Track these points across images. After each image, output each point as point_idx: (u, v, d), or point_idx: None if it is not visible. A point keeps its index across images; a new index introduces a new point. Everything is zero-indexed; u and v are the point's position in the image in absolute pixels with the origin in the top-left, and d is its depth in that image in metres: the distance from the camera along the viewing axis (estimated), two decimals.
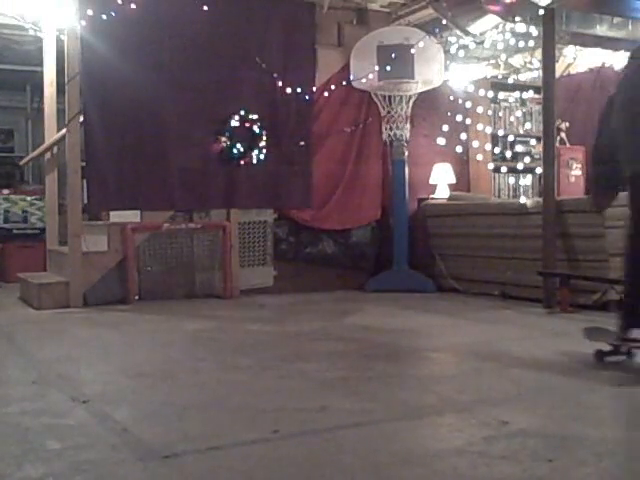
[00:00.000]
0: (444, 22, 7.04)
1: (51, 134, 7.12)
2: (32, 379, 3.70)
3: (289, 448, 2.61)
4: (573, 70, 8.91)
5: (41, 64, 7.14)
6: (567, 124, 8.66)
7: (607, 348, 3.87)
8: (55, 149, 7.13)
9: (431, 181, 7.95)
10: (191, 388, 3.52)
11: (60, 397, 3.34)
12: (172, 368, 3.94)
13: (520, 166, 8.11)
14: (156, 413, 3.09)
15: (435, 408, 3.15)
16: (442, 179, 7.93)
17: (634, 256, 3.80)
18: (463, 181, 8.21)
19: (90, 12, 6.11)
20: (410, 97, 7.48)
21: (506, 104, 8.88)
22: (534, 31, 6.87)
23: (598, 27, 6.99)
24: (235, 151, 6.73)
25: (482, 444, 2.63)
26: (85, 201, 6.56)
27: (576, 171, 8.60)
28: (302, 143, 7.10)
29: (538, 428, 2.80)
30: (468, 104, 7.92)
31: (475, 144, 8.06)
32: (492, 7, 6.41)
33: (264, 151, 6.85)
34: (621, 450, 2.56)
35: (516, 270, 6.46)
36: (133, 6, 6.19)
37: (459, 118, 7.79)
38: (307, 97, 7.08)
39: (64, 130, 6.46)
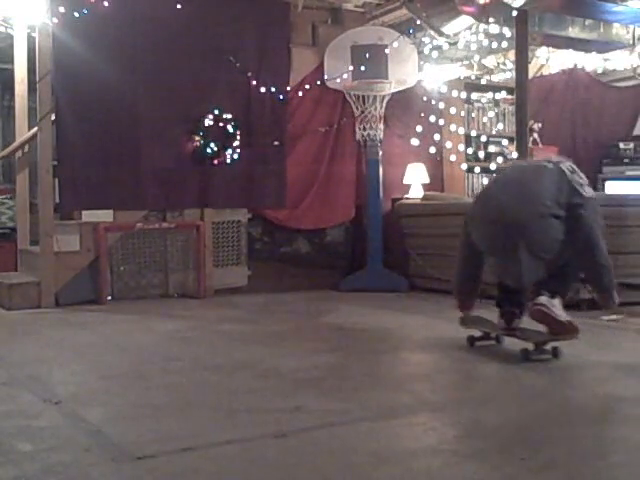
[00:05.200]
0: (418, 22, 7.07)
1: (22, 132, 7.04)
2: (2, 380, 3.66)
3: (263, 449, 2.61)
4: (546, 71, 9.00)
5: (12, 61, 7.05)
6: (540, 125, 8.73)
7: (478, 334, 4.38)
8: (26, 147, 7.05)
9: (405, 181, 7.97)
10: (164, 389, 3.50)
11: (31, 398, 3.31)
12: (145, 368, 3.91)
13: (493, 166, 8.16)
14: (129, 414, 3.07)
15: (409, 407, 3.16)
16: (416, 179, 7.95)
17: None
18: (437, 181, 8.24)
19: (62, 9, 6.04)
20: (384, 97, 7.49)
21: (479, 105, 8.93)
22: (507, 32, 6.92)
23: (570, 29, 7.05)
24: (209, 150, 6.70)
25: (455, 443, 2.64)
26: (57, 200, 6.49)
27: None
28: (276, 143, 7.08)
29: (511, 426, 2.82)
30: (442, 104, 7.96)
31: (448, 144, 8.11)
32: (466, 8, 6.44)
33: (238, 150, 6.82)
34: (590, 447, 2.58)
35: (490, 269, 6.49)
36: (106, 4, 6.14)
37: (433, 118, 7.82)
38: (281, 97, 7.07)
39: (35, 128, 6.39)
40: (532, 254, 3.91)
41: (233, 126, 6.79)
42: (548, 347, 4.00)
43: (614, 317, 5.30)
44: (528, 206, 3.94)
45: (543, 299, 3.98)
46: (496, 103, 8.97)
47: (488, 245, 4.15)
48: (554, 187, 3.97)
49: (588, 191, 4.03)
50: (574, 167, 4.15)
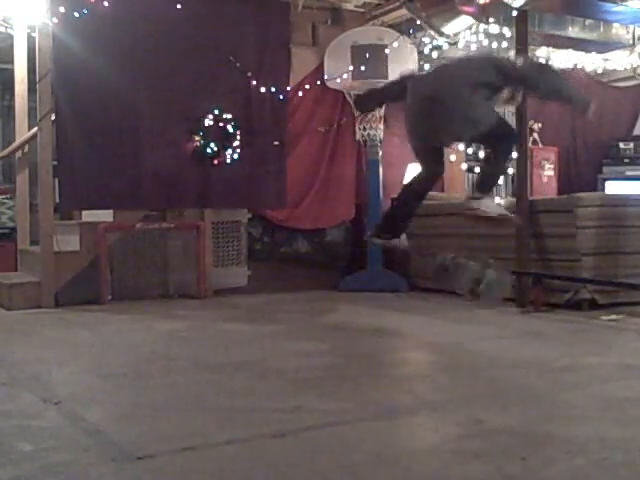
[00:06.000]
0: (418, 22, 7.06)
1: (22, 132, 7.03)
2: (2, 380, 3.66)
3: (263, 448, 2.61)
4: None
5: (12, 61, 7.05)
6: (540, 125, 8.73)
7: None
8: (26, 148, 7.04)
9: (405, 181, 7.96)
10: (165, 388, 3.50)
11: (31, 398, 3.31)
12: (145, 368, 3.91)
13: None
14: (129, 414, 3.07)
15: (409, 407, 3.16)
16: None
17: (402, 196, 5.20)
18: None
19: (62, 9, 6.04)
20: None
21: None
22: (507, 32, 6.91)
23: (570, 29, 7.05)
24: (209, 150, 6.70)
25: (456, 443, 2.64)
26: (57, 200, 6.49)
27: (549, 171, 8.67)
28: (276, 143, 7.07)
29: (511, 427, 2.82)
30: None
31: None
32: (466, 8, 6.44)
33: (238, 151, 6.82)
34: (591, 448, 2.58)
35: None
36: (106, 4, 6.13)
37: None
38: (281, 97, 7.06)
39: (35, 128, 6.39)
40: (452, 117, 4.53)
41: (233, 126, 6.78)
42: None
43: (614, 317, 5.31)
44: (447, 82, 4.65)
45: (473, 203, 4.68)
46: None
47: (411, 117, 4.82)
48: (481, 67, 4.66)
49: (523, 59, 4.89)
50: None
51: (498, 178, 5.07)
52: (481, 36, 7.27)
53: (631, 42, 7.51)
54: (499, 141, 4.67)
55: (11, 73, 7.12)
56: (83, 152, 6.31)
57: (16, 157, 7.22)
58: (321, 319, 5.69)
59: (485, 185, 4.80)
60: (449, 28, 6.78)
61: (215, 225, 7.03)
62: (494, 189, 4.93)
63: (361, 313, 5.93)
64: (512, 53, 4.99)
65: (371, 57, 7.21)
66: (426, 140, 4.82)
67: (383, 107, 7.51)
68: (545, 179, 8.63)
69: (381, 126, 7.52)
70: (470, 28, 7.02)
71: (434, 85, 4.74)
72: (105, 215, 6.68)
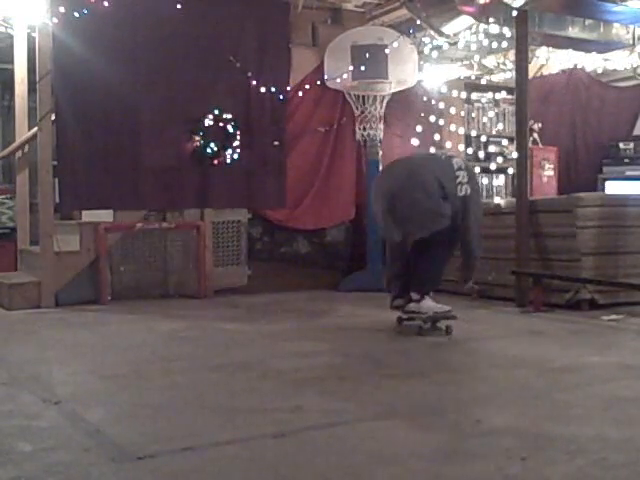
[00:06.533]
0: (418, 22, 7.06)
1: (22, 132, 7.03)
2: (2, 380, 3.66)
3: (263, 448, 2.61)
4: (546, 71, 8.98)
5: (12, 61, 7.05)
6: (540, 125, 8.72)
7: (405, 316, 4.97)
8: (26, 148, 7.04)
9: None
10: (165, 388, 3.50)
11: (31, 398, 3.31)
12: (145, 368, 3.91)
13: (493, 166, 8.15)
14: (129, 414, 3.07)
15: (409, 407, 3.16)
16: None
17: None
18: None
19: (62, 9, 6.04)
20: (384, 97, 7.49)
21: (479, 105, 8.93)
22: (507, 32, 6.91)
23: (570, 29, 7.04)
24: (209, 150, 6.70)
25: (456, 442, 2.64)
26: (57, 200, 6.49)
27: (549, 171, 8.66)
28: (276, 143, 7.08)
29: (511, 426, 2.82)
30: (441, 104, 7.95)
31: (448, 144, 8.09)
32: (466, 8, 6.44)
33: (238, 151, 6.82)
34: (591, 448, 2.58)
35: (491, 269, 6.49)
36: (106, 4, 6.13)
37: (432, 118, 7.82)
38: (281, 96, 7.06)
39: (35, 128, 6.38)
40: (406, 219, 4.78)
41: (233, 126, 6.79)
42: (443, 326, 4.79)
43: (614, 317, 5.31)
44: (407, 183, 4.80)
45: (411, 306, 4.85)
46: (496, 103, 8.97)
47: (379, 212, 4.95)
48: (439, 173, 4.75)
49: (464, 190, 4.76)
50: (464, 165, 4.91)
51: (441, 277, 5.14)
52: (481, 36, 7.27)
53: (631, 42, 7.50)
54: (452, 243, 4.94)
55: (11, 73, 7.12)
56: (83, 152, 6.32)
57: (16, 157, 7.22)
58: (321, 319, 5.69)
59: (426, 285, 4.92)
60: (449, 28, 6.78)
61: (215, 225, 7.03)
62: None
63: (361, 313, 5.93)
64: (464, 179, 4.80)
65: (371, 57, 7.21)
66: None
67: (383, 107, 7.53)
68: (545, 179, 8.63)
69: (381, 126, 7.53)
70: (470, 28, 7.02)
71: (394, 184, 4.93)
72: (105, 215, 6.68)
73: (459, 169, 4.81)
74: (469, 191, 4.78)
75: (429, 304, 4.86)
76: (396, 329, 5.00)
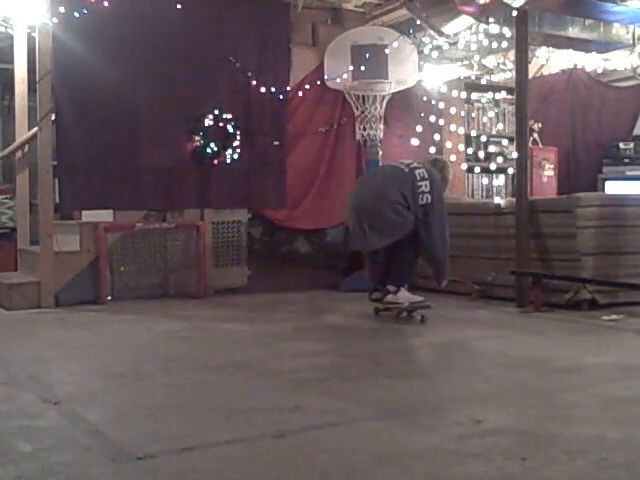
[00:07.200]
0: (418, 22, 7.06)
1: (22, 132, 7.03)
2: (2, 380, 3.66)
3: (263, 448, 2.61)
4: (546, 71, 8.99)
5: (12, 61, 7.05)
6: (540, 125, 8.73)
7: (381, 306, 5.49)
8: (26, 148, 7.04)
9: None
10: (164, 389, 3.50)
11: (31, 398, 3.31)
12: (145, 368, 3.91)
13: (493, 166, 8.16)
14: (129, 414, 3.07)
15: (409, 407, 3.16)
16: None
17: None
18: None
19: (62, 9, 6.04)
20: (384, 97, 7.49)
21: (479, 105, 8.93)
22: (507, 32, 6.91)
23: (570, 29, 7.05)
24: (209, 150, 6.70)
25: (456, 443, 2.64)
26: (57, 200, 6.49)
27: (548, 171, 8.67)
28: (276, 143, 7.08)
29: (511, 426, 2.82)
30: (441, 104, 7.95)
31: (448, 144, 8.10)
32: (466, 8, 6.43)
33: (238, 151, 6.82)
34: (591, 448, 2.58)
35: (490, 269, 6.49)
36: (106, 4, 6.13)
37: (432, 118, 7.82)
38: (281, 96, 7.06)
39: (35, 128, 6.38)
40: (372, 230, 5.27)
41: (233, 126, 6.79)
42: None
43: (614, 317, 5.31)
44: (373, 197, 5.32)
45: (389, 297, 5.35)
46: (496, 103, 8.97)
47: (351, 224, 5.50)
48: (402, 186, 5.24)
49: (425, 198, 5.22)
50: (427, 175, 5.29)
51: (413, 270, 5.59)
52: (481, 36, 7.27)
53: (631, 42, 7.50)
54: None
55: (11, 73, 7.12)
56: (83, 152, 6.32)
57: (16, 157, 7.22)
58: (321, 319, 5.69)
59: (406, 276, 5.41)
60: (449, 28, 6.78)
61: (215, 225, 7.03)
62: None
63: (361, 313, 5.92)
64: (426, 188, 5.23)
65: (371, 57, 7.21)
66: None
67: (383, 107, 7.53)
68: (545, 179, 8.64)
69: (381, 126, 7.53)
70: (470, 28, 7.02)
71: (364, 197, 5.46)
72: (105, 215, 6.68)
73: (422, 179, 5.28)
74: (430, 199, 5.24)
75: (405, 294, 5.35)
76: (390, 320, 5.39)
